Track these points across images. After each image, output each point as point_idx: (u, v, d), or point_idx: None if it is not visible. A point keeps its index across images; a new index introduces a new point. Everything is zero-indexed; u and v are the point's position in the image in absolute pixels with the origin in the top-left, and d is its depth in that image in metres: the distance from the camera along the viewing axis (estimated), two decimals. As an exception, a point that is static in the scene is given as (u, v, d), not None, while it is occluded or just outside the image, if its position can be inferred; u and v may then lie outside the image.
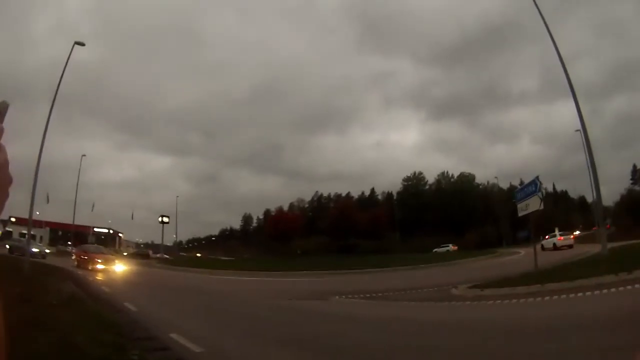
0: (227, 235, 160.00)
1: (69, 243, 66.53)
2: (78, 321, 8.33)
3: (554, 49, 23.84)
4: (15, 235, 56.28)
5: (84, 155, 68.02)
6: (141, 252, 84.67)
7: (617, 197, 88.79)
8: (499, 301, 13.56)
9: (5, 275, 14.77)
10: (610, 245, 24.54)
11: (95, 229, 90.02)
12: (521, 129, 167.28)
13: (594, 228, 29.47)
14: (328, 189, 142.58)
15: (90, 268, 29.77)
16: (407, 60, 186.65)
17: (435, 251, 74.83)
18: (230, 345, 8.81)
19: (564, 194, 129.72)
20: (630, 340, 6.63)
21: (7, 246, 42.09)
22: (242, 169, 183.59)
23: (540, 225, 65.70)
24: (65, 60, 27.08)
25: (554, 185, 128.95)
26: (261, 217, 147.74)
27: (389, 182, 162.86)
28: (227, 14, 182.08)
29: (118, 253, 60.87)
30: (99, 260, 30.90)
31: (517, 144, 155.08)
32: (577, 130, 29.62)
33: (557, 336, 7.83)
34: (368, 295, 18.29)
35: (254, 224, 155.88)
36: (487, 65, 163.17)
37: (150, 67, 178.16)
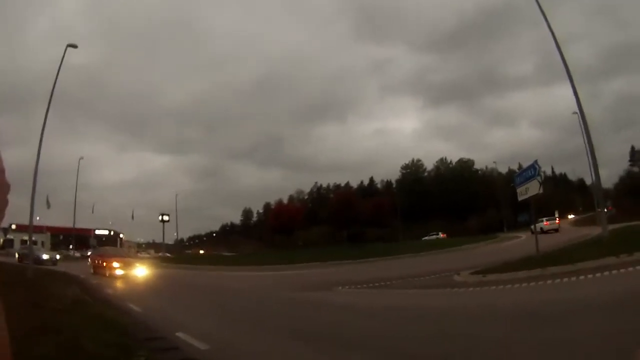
0: (227, 231, 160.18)
1: (71, 247, 66.55)
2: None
3: (550, 32, 23.86)
4: (17, 243, 56.12)
5: (82, 158, 68.31)
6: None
7: (616, 179, 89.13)
8: (502, 286, 13.63)
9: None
10: (610, 227, 24.62)
11: (96, 231, 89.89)
12: (519, 113, 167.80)
13: (598, 210, 29.53)
14: (327, 180, 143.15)
15: (107, 274, 26.59)
16: (404, 47, 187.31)
17: (424, 239, 74.83)
18: (236, 341, 8.82)
19: (564, 176, 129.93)
20: (634, 323, 6.66)
21: (17, 254, 41.56)
22: (241, 163, 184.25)
23: (541, 208, 66.39)
24: (59, 63, 27.18)
25: (552, 169, 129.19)
26: (261, 211, 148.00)
27: (388, 170, 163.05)
28: (226, 8, 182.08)
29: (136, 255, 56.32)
30: (117, 265, 26.96)
31: (516, 128, 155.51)
32: (575, 113, 29.68)
33: (562, 321, 7.82)
34: (372, 285, 18.38)
35: (255, 218, 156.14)
36: (484, 51, 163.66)
37: (149, 64, 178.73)
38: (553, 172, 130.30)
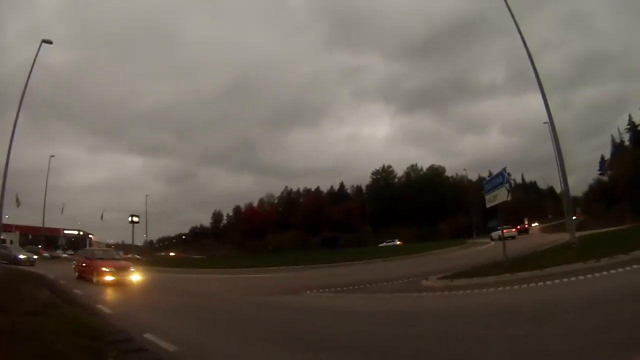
0: (197, 233, 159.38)
1: (40, 247, 65.23)
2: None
3: (521, 42, 24.14)
4: None
5: (53, 156, 67.64)
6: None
7: (586, 187, 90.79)
8: (469, 291, 13.59)
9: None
10: (579, 233, 24.88)
11: (66, 231, 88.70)
12: (490, 121, 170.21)
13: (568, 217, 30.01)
14: (298, 185, 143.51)
15: (95, 280, 22.35)
16: (376, 55, 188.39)
17: (381, 246, 75.15)
18: (205, 343, 8.73)
19: (534, 184, 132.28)
20: (599, 324, 6.99)
21: None
22: (214, 167, 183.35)
23: (512, 215, 67.63)
24: (33, 59, 26.80)
25: (522, 176, 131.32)
26: (231, 214, 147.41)
27: (359, 176, 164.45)
28: (199, 14, 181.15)
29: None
30: (108, 270, 22.37)
31: (487, 135, 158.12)
32: (545, 123, 30.01)
33: (530, 321, 7.95)
34: (340, 289, 18.24)
35: (224, 221, 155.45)
36: (455, 59, 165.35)
37: (123, 68, 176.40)
38: (523, 179, 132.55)
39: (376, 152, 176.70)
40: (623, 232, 29.84)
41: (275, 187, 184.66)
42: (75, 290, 17.43)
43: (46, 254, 61.42)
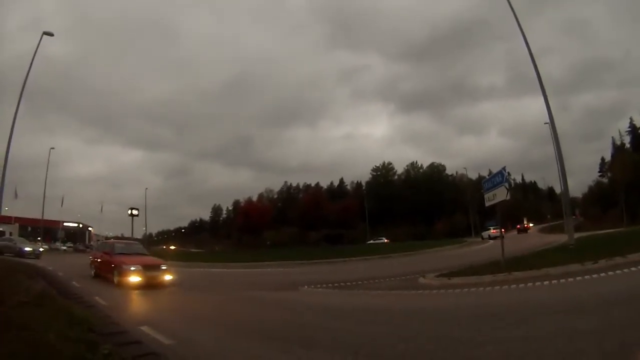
0: (196, 227, 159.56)
1: (39, 239, 65.28)
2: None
3: (521, 46, 24.62)
4: None
5: (53, 148, 67.89)
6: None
7: (585, 188, 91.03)
8: (466, 289, 13.54)
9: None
10: (577, 235, 24.85)
11: (65, 224, 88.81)
12: (490, 122, 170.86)
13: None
14: (298, 181, 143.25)
15: (116, 281, 18.06)
16: (377, 56, 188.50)
17: (369, 243, 75.30)
18: (200, 336, 8.73)
19: (533, 184, 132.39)
20: (596, 325, 6.92)
21: None
22: (212, 162, 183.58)
23: (511, 214, 67.93)
24: (34, 51, 26.76)
25: (522, 177, 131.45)
26: (230, 207, 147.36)
27: (358, 173, 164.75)
28: (201, 10, 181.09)
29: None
30: (133, 268, 17.74)
31: (486, 136, 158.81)
32: (546, 123, 29.99)
33: (524, 322, 7.91)
34: (336, 285, 18.20)
35: (224, 215, 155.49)
36: (455, 62, 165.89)
37: (123, 61, 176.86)
38: (523, 179, 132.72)
39: (375, 151, 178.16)
40: (620, 234, 29.88)
41: (274, 183, 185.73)
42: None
43: (45, 246, 61.26)
